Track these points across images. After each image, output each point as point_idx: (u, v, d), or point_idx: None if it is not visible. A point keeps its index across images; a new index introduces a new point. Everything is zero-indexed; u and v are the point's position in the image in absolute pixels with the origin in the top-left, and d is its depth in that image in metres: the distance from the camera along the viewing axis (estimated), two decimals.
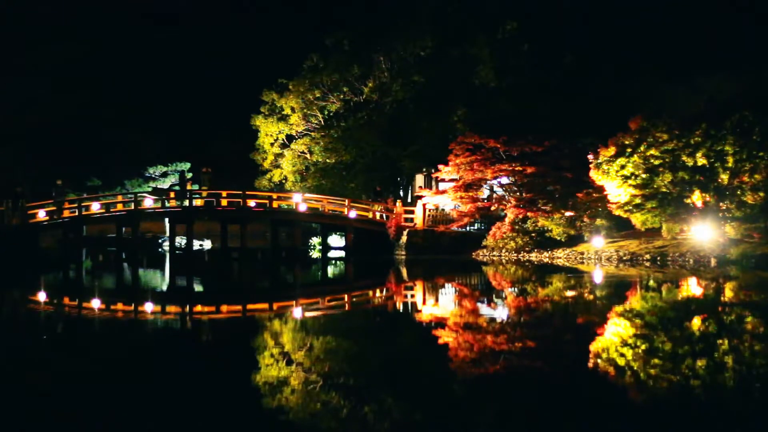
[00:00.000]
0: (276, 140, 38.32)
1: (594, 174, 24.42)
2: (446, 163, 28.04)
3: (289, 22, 53.01)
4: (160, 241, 36.82)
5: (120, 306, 13.52)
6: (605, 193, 24.44)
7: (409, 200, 34.48)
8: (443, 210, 30.34)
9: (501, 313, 12.25)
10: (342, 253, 31.57)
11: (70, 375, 7.34)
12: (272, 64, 42.54)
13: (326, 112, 37.53)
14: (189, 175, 39.85)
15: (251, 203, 31.27)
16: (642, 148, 23.21)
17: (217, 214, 30.96)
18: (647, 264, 22.49)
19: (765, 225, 22.92)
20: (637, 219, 23.97)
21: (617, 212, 24.40)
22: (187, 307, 13.34)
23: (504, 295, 15.14)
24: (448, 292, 16.22)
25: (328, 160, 36.24)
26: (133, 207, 30.66)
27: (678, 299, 13.84)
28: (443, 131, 31.83)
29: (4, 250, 25.90)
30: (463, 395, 6.52)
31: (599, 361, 7.75)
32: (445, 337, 9.52)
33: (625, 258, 23.65)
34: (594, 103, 28.69)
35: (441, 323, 10.78)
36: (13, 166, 40.72)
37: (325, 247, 32.60)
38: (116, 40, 51.66)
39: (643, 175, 23.32)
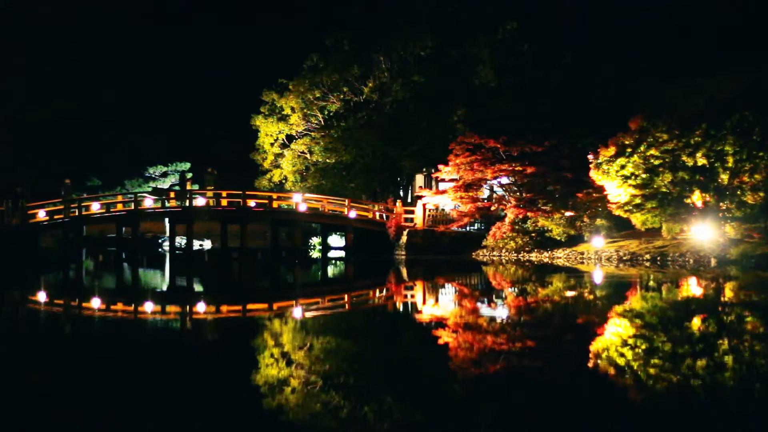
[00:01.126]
0: (276, 140, 38.35)
1: (594, 174, 24.43)
2: (446, 163, 28.07)
3: (289, 22, 53.03)
4: (160, 241, 36.85)
5: (120, 306, 13.52)
6: (605, 193, 24.46)
7: (409, 200, 34.50)
8: (443, 210, 30.36)
9: (501, 313, 12.25)
10: (342, 253, 31.58)
11: (70, 375, 7.34)
12: (272, 64, 42.62)
13: (326, 112, 37.55)
14: (189, 175, 39.87)
15: (251, 203, 31.28)
16: (642, 148, 23.23)
17: (217, 214, 30.96)
18: (647, 264, 22.49)
19: (765, 225, 22.94)
20: (637, 219, 23.99)
21: (617, 212, 24.41)
22: (187, 307, 13.34)
23: (504, 295, 15.14)
24: (448, 292, 16.22)
25: (328, 160, 36.27)
26: (133, 207, 30.67)
27: (678, 299, 13.84)
28: (443, 131, 31.86)
29: (4, 250, 25.89)
30: (463, 395, 6.52)
31: (599, 361, 7.75)
32: (445, 337, 9.52)
33: (625, 258, 23.65)
34: (594, 103, 28.71)
35: (441, 323, 10.78)
36: (13, 166, 40.72)
37: (325, 247, 32.61)
38: (116, 40, 51.67)
39: (643, 175, 23.33)
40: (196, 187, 34.12)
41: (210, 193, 31.03)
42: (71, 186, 31.48)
